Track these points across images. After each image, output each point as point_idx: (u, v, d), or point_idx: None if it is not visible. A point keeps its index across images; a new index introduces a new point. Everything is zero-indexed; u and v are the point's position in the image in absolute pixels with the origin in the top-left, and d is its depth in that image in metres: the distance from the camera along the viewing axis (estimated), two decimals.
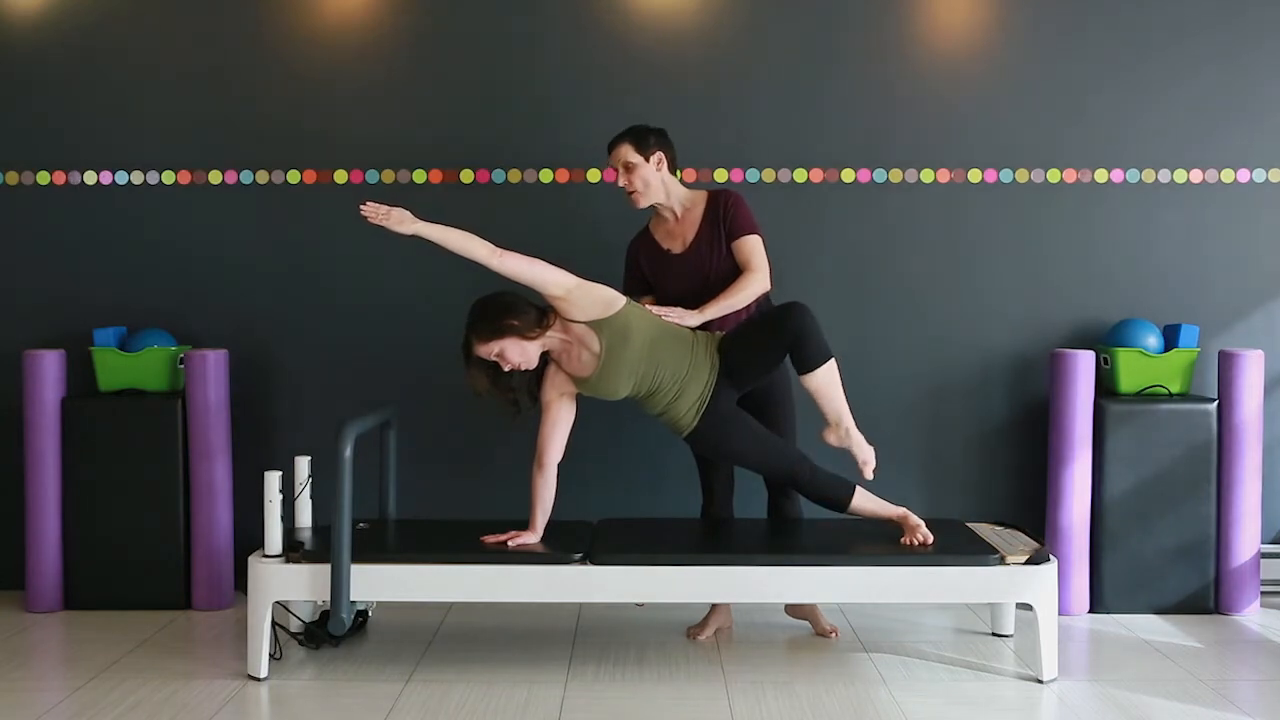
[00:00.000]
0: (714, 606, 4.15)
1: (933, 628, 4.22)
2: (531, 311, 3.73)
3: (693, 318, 3.87)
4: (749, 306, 3.97)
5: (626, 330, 3.71)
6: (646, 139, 3.98)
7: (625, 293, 3.96)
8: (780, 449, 3.84)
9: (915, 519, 3.81)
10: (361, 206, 3.71)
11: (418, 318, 4.65)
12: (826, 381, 3.72)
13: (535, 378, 3.83)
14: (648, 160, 3.96)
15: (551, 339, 3.76)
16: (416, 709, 3.47)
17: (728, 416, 3.82)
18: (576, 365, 3.78)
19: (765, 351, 3.78)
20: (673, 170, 4.02)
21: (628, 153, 3.96)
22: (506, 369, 3.74)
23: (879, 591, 3.67)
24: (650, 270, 4.07)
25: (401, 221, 3.70)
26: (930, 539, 3.75)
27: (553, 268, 3.71)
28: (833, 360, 3.72)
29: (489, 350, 3.72)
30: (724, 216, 3.97)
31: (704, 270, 3.97)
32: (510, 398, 3.83)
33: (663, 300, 4.01)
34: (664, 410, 3.83)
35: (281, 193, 4.65)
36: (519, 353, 3.72)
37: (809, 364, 3.70)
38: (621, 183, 3.99)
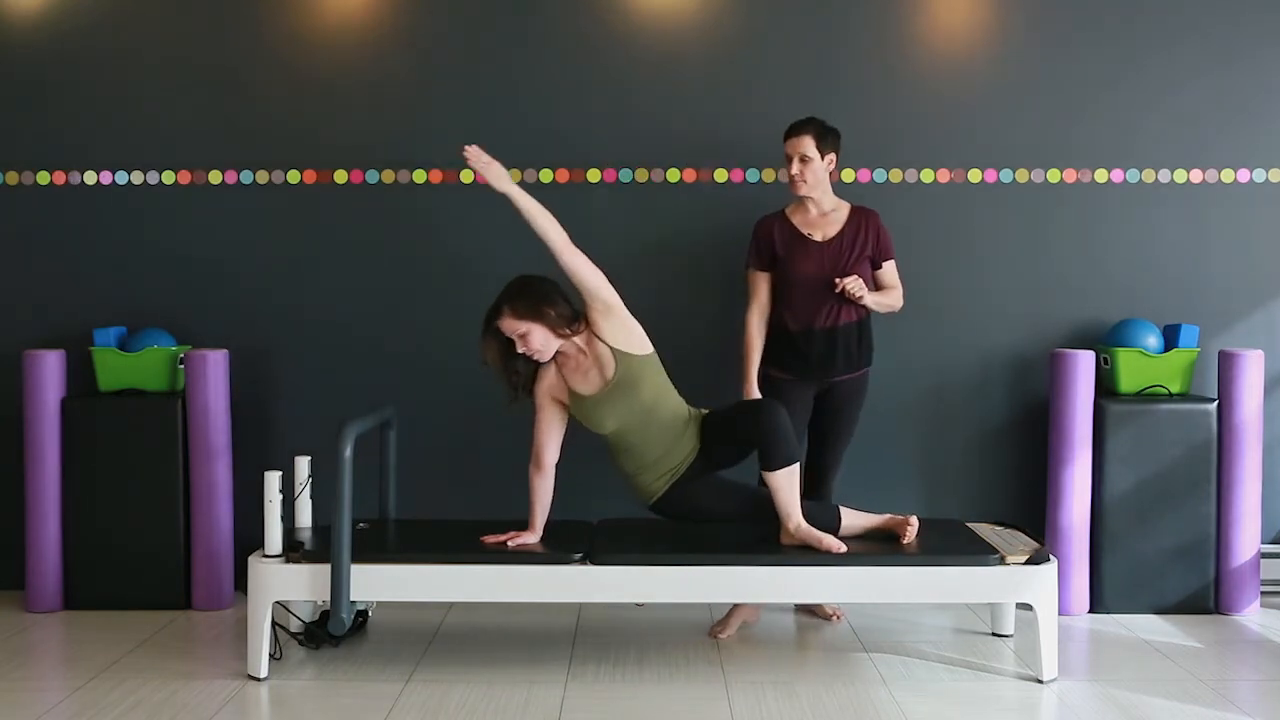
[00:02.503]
0: (735, 604, 4.15)
1: (933, 628, 4.22)
2: (568, 309, 3.75)
3: (866, 293, 4.06)
4: (862, 310, 4.15)
5: (641, 376, 3.76)
6: (827, 137, 4.12)
7: (748, 265, 4.17)
8: (754, 500, 3.83)
9: (900, 516, 3.84)
10: (466, 148, 3.72)
11: (418, 318, 4.65)
12: (784, 484, 3.72)
13: (532, 374, 3.84)
14: (823, 158, 4.11)
15: (570, 345, 3.77)
16: (416, 709, 3.47)
17: (697, 484, 3.83)
18: (581, 381, 3.79)
19: (731, 443, 3.83)
20: (835, 171, 4.21)
21: (809, 145, 4.09)
22: (520, 350, 3.74)
23: (879, 591, 3.67)
24: (784, 249, 4.15)
25: (499, 177, 3.71)
26: (915, 522, 3.80)
27: (608, 283, 3.75)
28: (795, 465, 3.72)
29: (515, 327, 3.71)
30: (871, 235, 4.17)
31: (838, 265, 4.11)
32: (514, 380, 3.82)
33: (788, 280, 4.13)
34: (635, 472, 3.84)
35: (281, 193, 4.65)
36: (541, 341, 3.72)
37: (772, 464, 3.70)
38: (794, 170, 4.10)
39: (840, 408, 4.19)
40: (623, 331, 3.77)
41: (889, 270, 4.23)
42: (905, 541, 3.77)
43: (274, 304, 4.67)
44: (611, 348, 3.75)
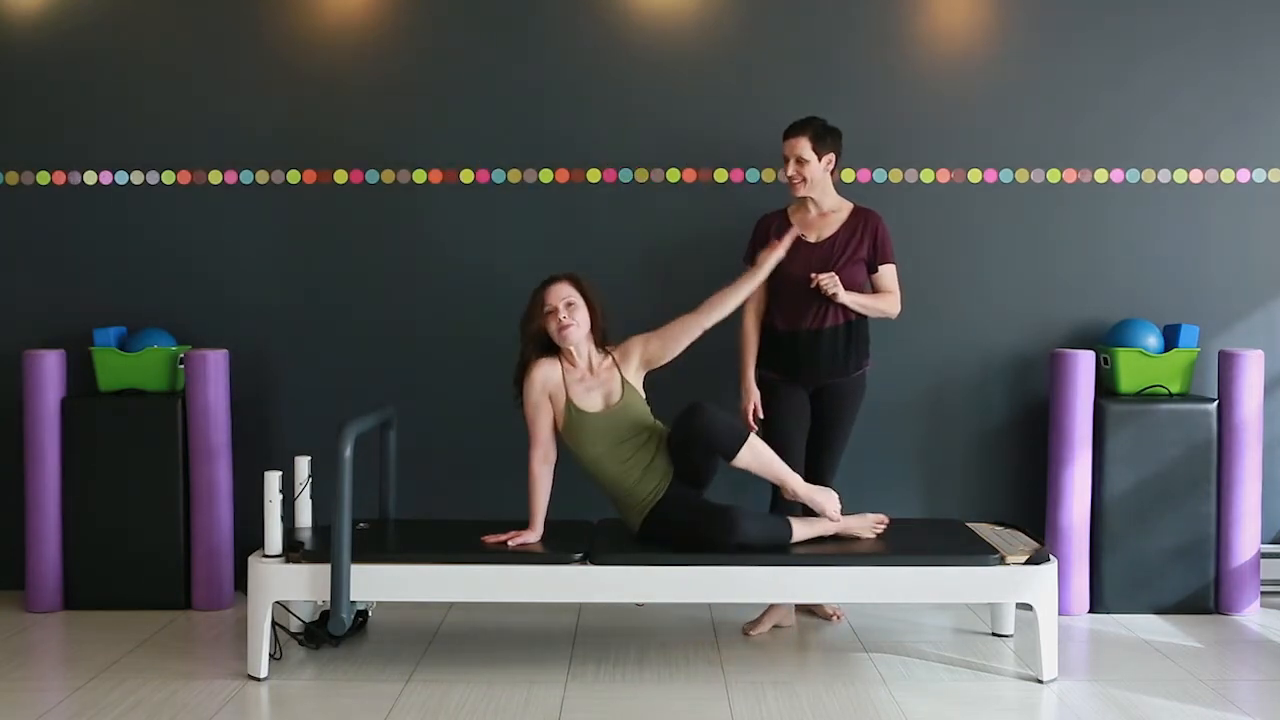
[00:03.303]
0: (771, 604, 4.15)
1: (933, 628, 4.22)
2: (606, 326, 3.87)
3: (841, 291, 4.00)
4: (852, 313, 4.11)
5: (641, 411, 3.85)
6: (825, 138, 4.09)
7: (745, 259, 4.16)
8: (712, 516, 3.75)
9: (857, 518, 3.84)
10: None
11: (418, 318, 4.65)
12: (754, 460, 3.74)
13: (520, 376, 3.87)
14: (820, 159, 4.07)
15: (586, 356, 3.85)
16: (416, 709, 3.47)
17: (678, 499, 3.82)
18: (584, 396, 3.83)
19: (690, 459, 3.82)
20: (836, 171, 4.16)
21: (804, 147, 4.06)
22: (558, 319, 3.78)
23: (879, 591, 3.67)
24: None
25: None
26: (884, 520, 3.86)
27: None
28: (750, 439, 3.74)
29: (571, 294, 3.81)
30: (871, 237, 4.13)
31: (829, 266, 4.07)
32: (531, 355, 3.86)
33: (779, 280, 4.08)
34: (618, 497, 3.85)
35: (281, 193, 4.65)
36: (582, 320, 3.81)
37: (729, 452, 3.73)
38: (790, 171, 4.08)
39: (832, 410, 4.16)
40: (640, 380, 3.91)
41: (886, 274, 4.16)
42: (871, 537, 3.82)
43: (274, 304, 4.67)
44: (624, 379, 3.86)
